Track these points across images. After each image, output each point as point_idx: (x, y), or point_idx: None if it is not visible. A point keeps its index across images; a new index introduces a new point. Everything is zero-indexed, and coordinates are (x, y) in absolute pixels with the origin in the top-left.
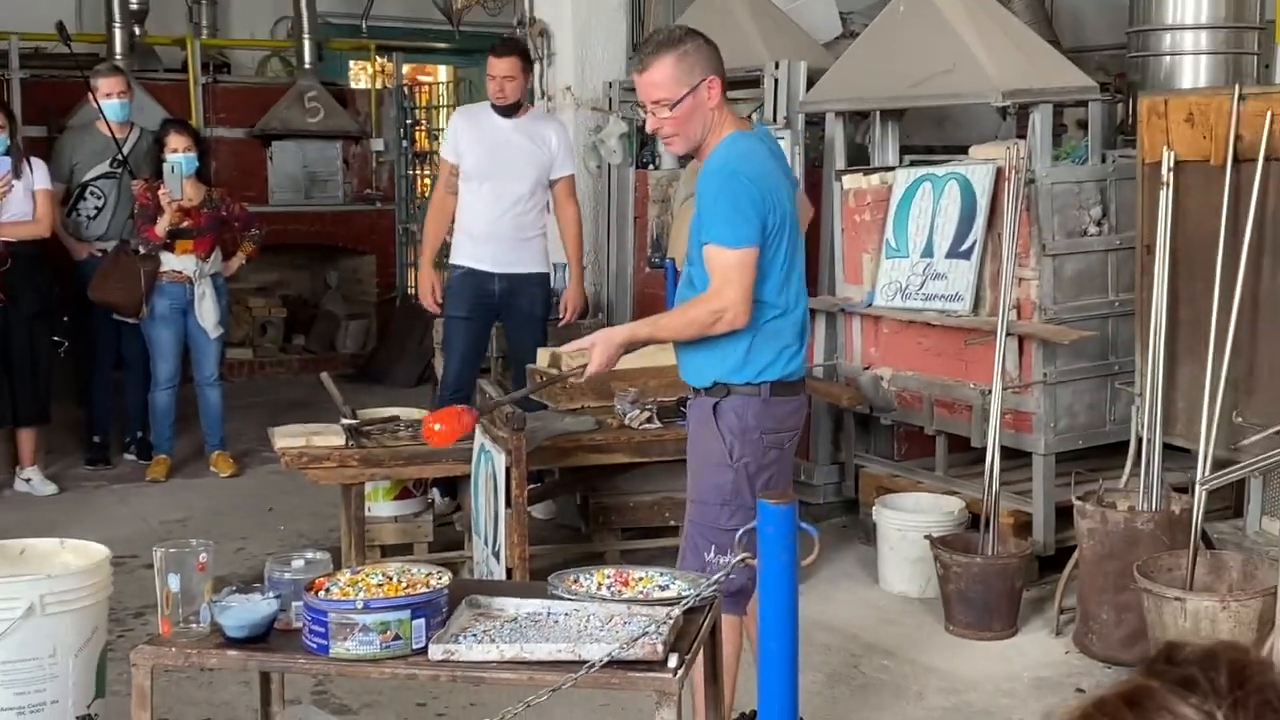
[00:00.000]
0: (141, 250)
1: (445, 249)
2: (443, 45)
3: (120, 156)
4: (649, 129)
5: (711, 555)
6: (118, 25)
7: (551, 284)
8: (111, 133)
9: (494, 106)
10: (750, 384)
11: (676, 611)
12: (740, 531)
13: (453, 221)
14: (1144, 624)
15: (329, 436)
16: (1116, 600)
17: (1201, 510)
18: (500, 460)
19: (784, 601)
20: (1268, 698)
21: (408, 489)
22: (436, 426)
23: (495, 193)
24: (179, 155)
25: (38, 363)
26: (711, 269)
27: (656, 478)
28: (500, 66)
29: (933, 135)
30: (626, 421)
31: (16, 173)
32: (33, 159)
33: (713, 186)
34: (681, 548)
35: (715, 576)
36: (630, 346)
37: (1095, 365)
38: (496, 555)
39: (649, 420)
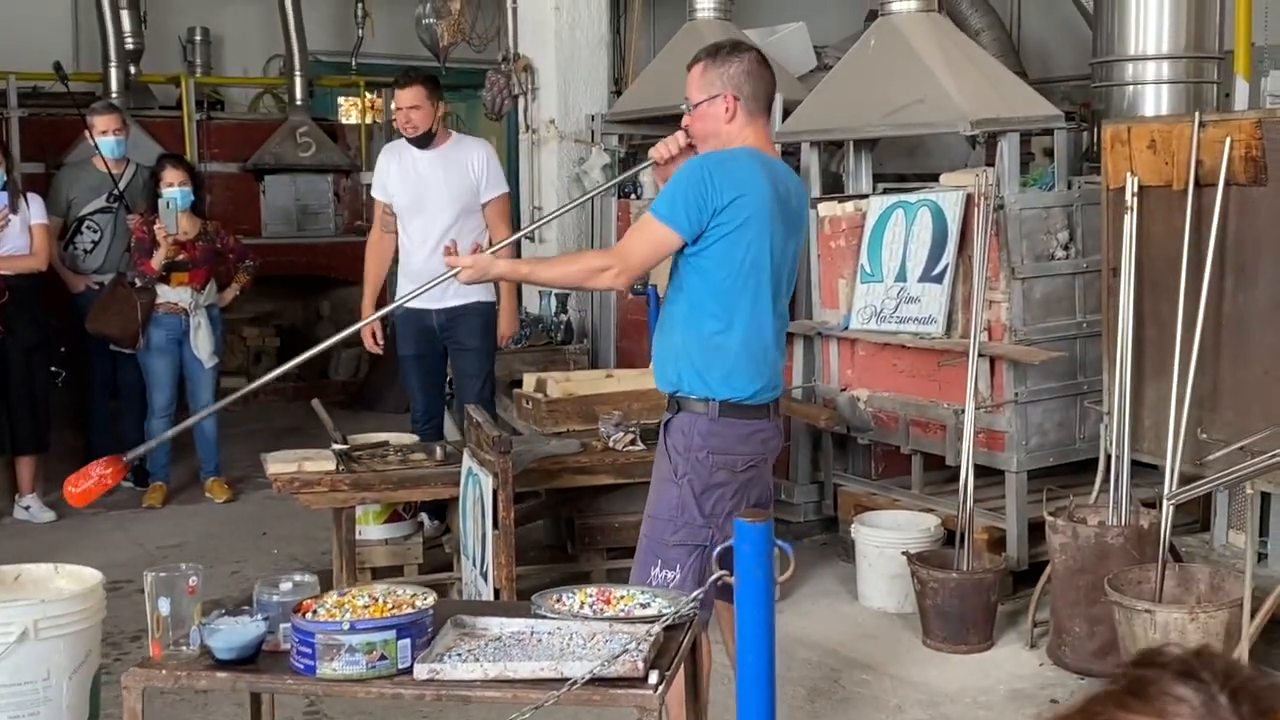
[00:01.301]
0: (138, 283)
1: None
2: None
3: (116, 192)
4: (681, 125)
5: (658, 569)
6: (113, 64)
7: (538, 312)
8: (108, 169)
9: (409, 140)
10: (700, 400)
11: (656, 629)
12: (718, 549)
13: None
14: (1115, 636)
15: (320, 462)
16: (1088, 613)
17: (1169, 524)
18: (487, 483)
19: (761, 617)
20: (1260, 685)
21: (398, 512)
22: (72, 489)
23: (423, 228)
24: (175, 190)
25: (36, 393)
26: (631, 230)
27: (640, 499)
28: (404, 98)
29: (904, 164)
30: (610, 444)
31: (13, 208)
32: (29, 194)
33: (680, 171)
34: (634, 562)
35: (695, 594)
36: (506, 278)
37: (1064, 385)
38: (484, 576)
39: (632, 442)
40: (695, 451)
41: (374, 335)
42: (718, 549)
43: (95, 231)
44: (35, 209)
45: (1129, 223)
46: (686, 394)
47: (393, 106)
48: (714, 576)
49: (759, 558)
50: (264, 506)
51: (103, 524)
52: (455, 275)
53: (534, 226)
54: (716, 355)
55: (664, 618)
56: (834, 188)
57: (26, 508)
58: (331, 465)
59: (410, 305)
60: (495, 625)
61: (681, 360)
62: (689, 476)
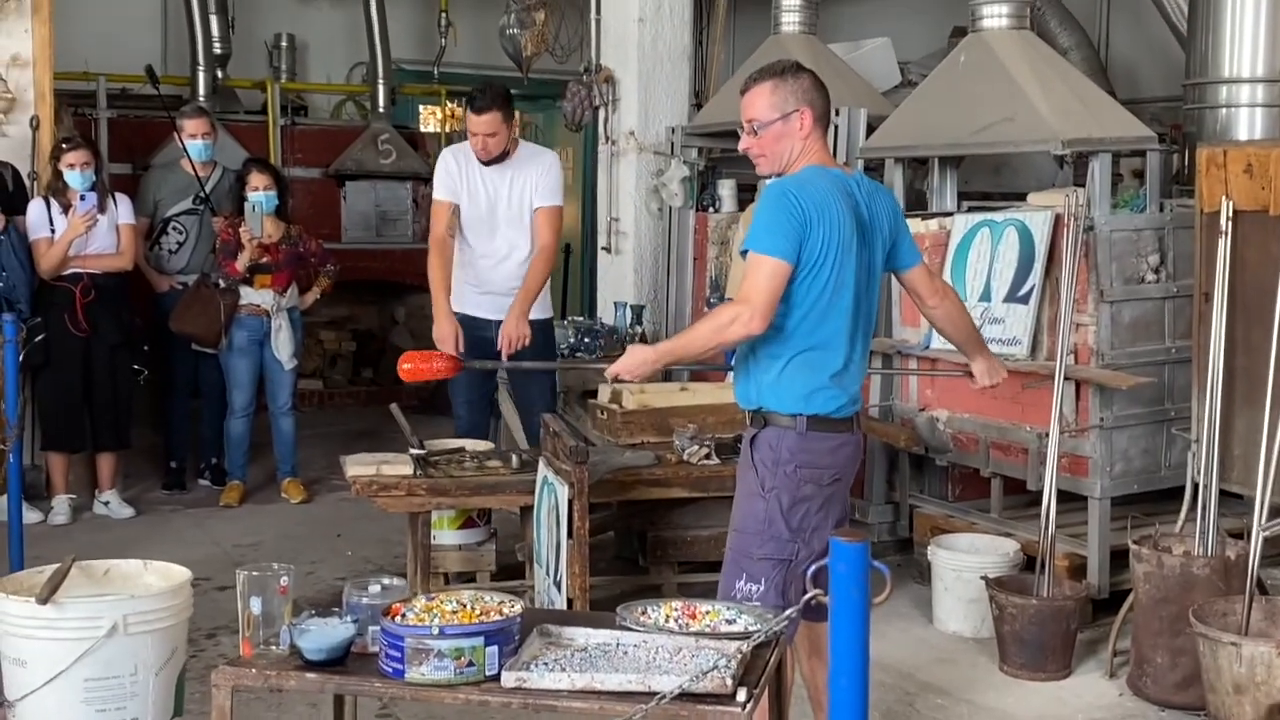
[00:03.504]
0: (221, 284)
1: None
2: (511, 91)
3: (203, 194)
4: (740, 148)
5: (742, 583)
6: (201, 69)
7: (613, 323)
8: (195, 171)
9: (482, 162)
10: (787, 415)
11: (747, 647)
12: (812, 568)
13: None
14: (1198, 668)
15: (398, 466)
16: (1172, 644)
17: (1259, 556)
18: (563, 492)
19: (855, 640)
20: None
21: (472, 519)
22: (406, 366)
23: (487, 239)
24: (260, 194)
25: (118, 391)
26: (742, 274)
27: (713, 513)
28: (481, 124)
29: (989, 182)
30: (685, 457)
31: (101, 207)
32: (117, 194)
33: (764, 202)
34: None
35: (787, 613)
36: (662, 362)
37: (1151, 411)
38: (558, 585)
39: (707, 456)
40: (784, 465)
41: (456, 341)
42: (812, 568)
43: (181, 233)
44: (124, 209)
45: (1223, 247)
46: (773, 409)
47: (467, 129)
48: (808, 595)
49: (855, 578)
50: (339, 508)
51: (180, 521)
52: (619, 380)
53: None
54: (799, 374)
55: (755, 636)
56: (918, 205)
57: (106, 503)
58: (409, 470)
59: (470, 313)
60: (581, 635)
61: (765, 378)
62: (777, 490)
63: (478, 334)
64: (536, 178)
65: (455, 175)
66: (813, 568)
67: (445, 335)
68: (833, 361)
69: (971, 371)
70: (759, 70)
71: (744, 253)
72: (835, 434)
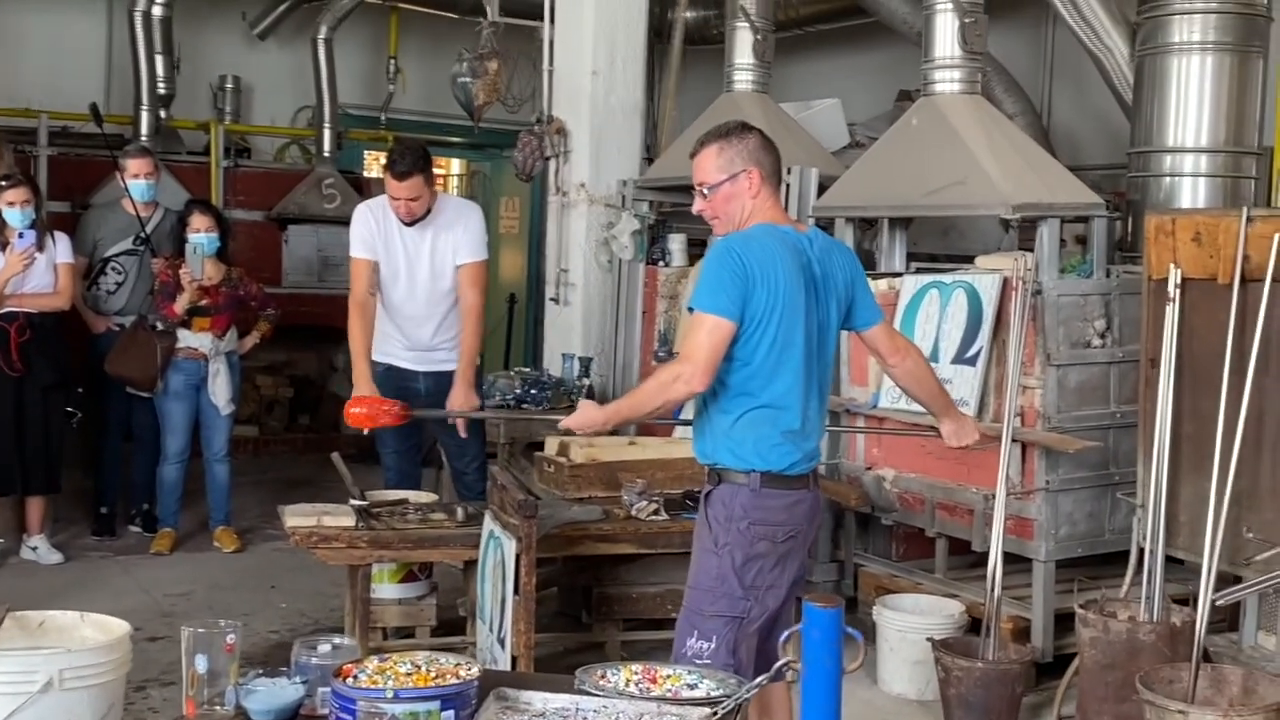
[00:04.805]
0: (159, 326)
1: None
2: (457, 140)
3: (143, 234)
4: (694, 209)
5: (694, 640)
6: (145, 108)
7: (560, 375)
8: (136, 211)
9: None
10: (739, 471)
11: (714, 717)
12: (786, 634)
13: None
14: None
15: (339, 517)
16: (1117, 710)
17: (1205, 624)
18: (510, 547)
19: (828, 708)
20: None
21: (413, 572)
22: (356, 410)
23: (407, 303)
24: (201, 235)
25: (50, 433)
26: (685, 332)
27: (661, 569)
28: (403, 189)
29: (936, 244)
30: (633, 512)
31: (40, 245)
32: (56, 233)
33: (706, 260)
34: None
35: (757, 680)
36: (611, 423)
37: (1097, 474)
38: (501, 642)
39: (656, 512)
40: (737, 521)
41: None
42: (785, 635)
43: (120, 273)
44: (62, 248)
45: (1171, 315)
46: (727, 466)
47: (387, 193)
48: (780, 662)
49: (829, 645)
50: (272, 559)
51: (110, 568)
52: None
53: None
54: (751, 430)
55: (723, 704)
56: (867, 264)
57: (34, 548)
58: (351, 521)
59: (393, 364)
60: (539, 700)
61: (719, 434)
62: (730, 547)
63: (403, 384)
64: (459, 234)
65: (374, 232)
66: (785, 634)
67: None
68: (787, 419)
69: (940, 432)
70: (706, 133)
71: (690, 309)
72: (790, 490)
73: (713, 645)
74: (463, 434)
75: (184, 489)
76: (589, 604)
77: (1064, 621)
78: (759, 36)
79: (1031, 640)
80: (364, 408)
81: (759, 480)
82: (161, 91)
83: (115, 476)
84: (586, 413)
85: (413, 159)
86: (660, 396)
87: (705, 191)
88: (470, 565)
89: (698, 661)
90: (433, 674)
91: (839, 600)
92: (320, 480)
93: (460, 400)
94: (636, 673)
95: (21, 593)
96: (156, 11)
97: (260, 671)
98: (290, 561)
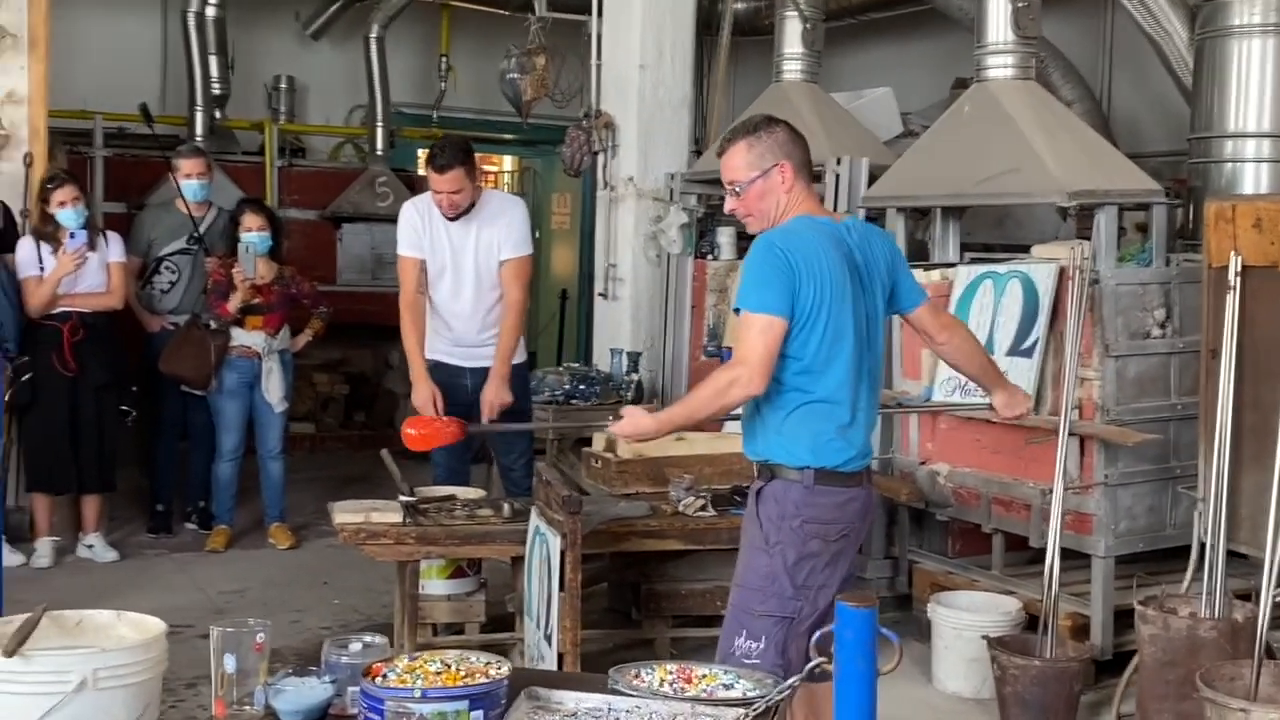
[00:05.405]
0: (212, 325)
1: None
2: (509, 136)
3: (196, 234)
4: (726, 209)
5: (742, 639)
6: (199, 109)
7: (609, 370)
8: (189, 211)
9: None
10: (793, 467)
11: (749, 716)
12: (818, 633)
13: None
14: None
15: (387, 513)
16: (1178, 709)
17: (1268, 620)
18: (555, 543)
19: (862, 711)
20: None
21: (462, 568)
22: (411, 431)
23: (453, 299)
24: (253, 234)
25: (105, 432)
26: (736, 334)
27: (709, 565)
28: (444, 182)
29: (992, 234)
30: (680, 508)
31: (91, 245)
32: (109, 233)
33: (751, 256)
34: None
35: (789, 682)
36: (663, 431)
37: (1157, 468)
38: (548, 639)
39: (703, 507)
40: (789, 519)
41: (435, 403)
42: (817, 633)
43: (173, 272)
44: (114, 247)
45: (1231, 303)
46: (780, 462)
47: (430, 187)
48: (812, 663)
49: (862, 646)
50: (326, 555)
51: (164, 565)
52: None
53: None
54: (804, 426)
55: (756, 705)
56: (919, 255)
57: (90, 546)
58: (398, 517)
59: (441, 360)
60: (571, 700)
61: (770, 431)
62: (782, 545)
63: (453, 380)
64: (503, 229)
65: (419, 230)
66: (818, 633)
67: (424, 400)
68: (839, 414)
69: (993, 404)
70: (731, 130)
71: (737, 310)
72: (844, 488)
73: (762, 645)
74: (486, 418)
75: (239, 486)
76: (638, 600)
77: (1124, 618)
78: (808, 25)
79: (1090, 638)
80: (420, 429)
81: (812, 477)
82: (216, 92)
83: (171, 474)
84: (637, 421)
85: (453, 152)
86: (716, 402)
87: (738, 190)
88: (518, 561)
89: (746, 661)
90: (463, 673)
91: (873, 599)
92: (375, 476)
93: (492, 395)
94: (671, 672)
95: (77, 590)
96: (209, 12)
97: (289, 671)
98: (343, 558)
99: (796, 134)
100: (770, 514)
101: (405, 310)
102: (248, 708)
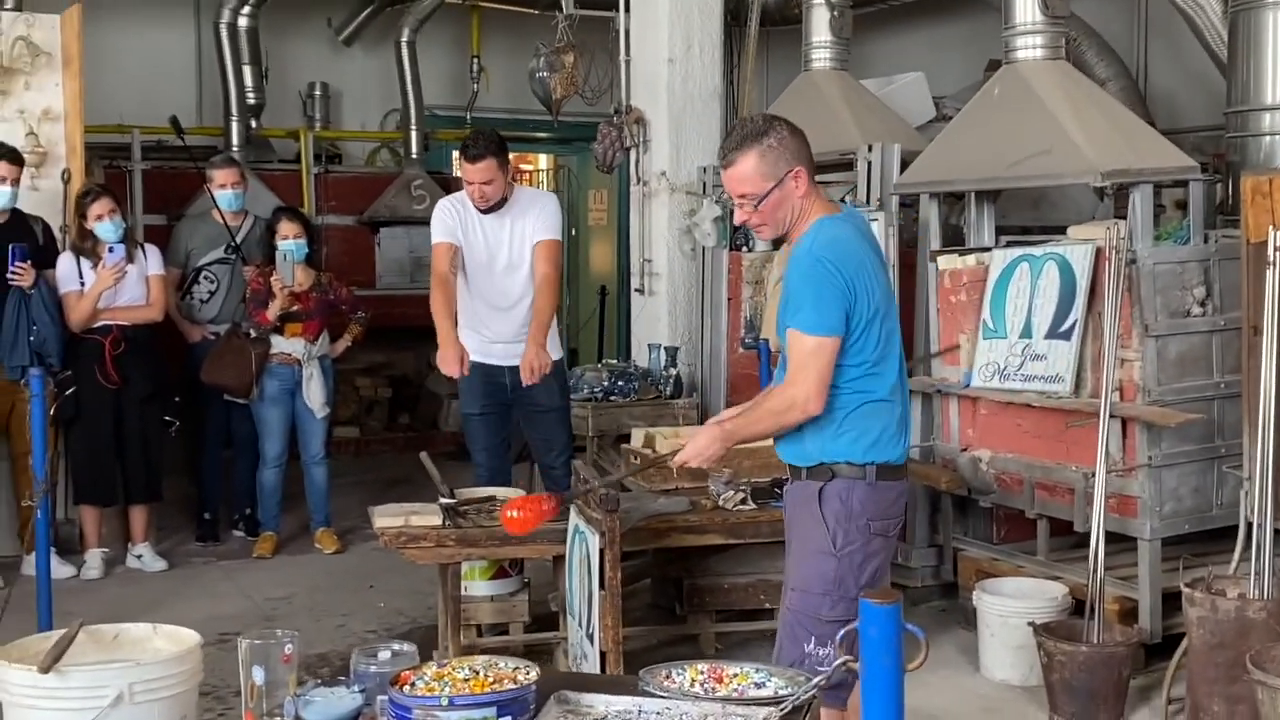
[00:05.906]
0: (252, 333)
1: None
2: (543, 135)
3: (233, 243)
4: (737, 221)
5: (811, 646)
6: (235, 118)
7: (647, 366)
8: (225, 221)
9: (479, 210)
10: (854, 464)
11: (777, 715)
12: (841, 632)
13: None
14: (1257, 716)
15: (427, 516)
16: (1228, 691)
17: None
18: (594, 541)
19: (889, 708)
20: None
21: (504, 569)
22: (512, 514)
23: (489, 294)
24: (290, 242)
25: (149, 443)
26: (790, 355)
27: (751, 559)
28: (475, 172)
29: (1028, 216)
30: (720, 503)
31: (130, 258)
32: (147, 245)
33: (799, 272)
34: (779, 636)
35: (816, 679)
36: (730, 443)
37: (1201, 448)
38: (590, 638)
39: (743, 501)
40: (856, 519)
41: (462, 361)
42: (841, 632)
43: (212, 282)
44: (153, 260)
45: (1271, 279)
46: (839, 460)
47: (462, 178)
48: (838, 662)
49: (887, 644)
50: (371, 559)
51: (213, 573)
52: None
53: None
54: (864, 422)
55: (785, 703)
56: (954, 240)
57: (139, 556)
58: (438, 520)
59: (482, 361)
60: (600, 703)
61: (826, 433)
62: (851, 550)
63: (491, 380)
64: (534, 218)
65: (455, 221)
66: (841, 631)
67: (449, 357)
68: (896, 409)
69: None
70: (736, 139)
71: (789, 326)
72: (898, 481)
73: (835, 650)
74: (526, 382)
75: (284, 492)
76: (681, 596)
77: (1172, 601)
78: (835, 13)
79: (1139, 621)
80: (522, 510)
81: (875, 473)
82: (251, 101)
83: (216, 483)
84: (706, 434)
85: (485, 143)
86: (775, 424)
87: (756, 204)
88: (559, 560)
89: (819, 668)
90: (490, 679)
91: (897, 595)
92: (419, 479)
93: (532, 356)
94: (703, 672)
95: (127, 600)
96: (242, 22)
97: (319, 681)
98: (388, 561)
99: (797, 130)
100: (836, 514)
101: (436, 286)
102: (278, 719)
